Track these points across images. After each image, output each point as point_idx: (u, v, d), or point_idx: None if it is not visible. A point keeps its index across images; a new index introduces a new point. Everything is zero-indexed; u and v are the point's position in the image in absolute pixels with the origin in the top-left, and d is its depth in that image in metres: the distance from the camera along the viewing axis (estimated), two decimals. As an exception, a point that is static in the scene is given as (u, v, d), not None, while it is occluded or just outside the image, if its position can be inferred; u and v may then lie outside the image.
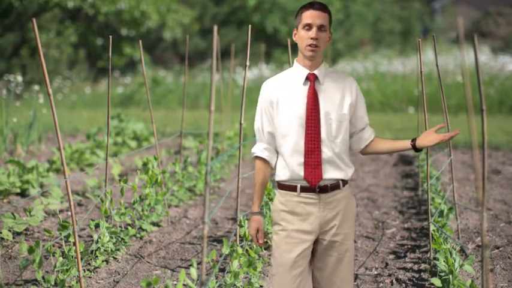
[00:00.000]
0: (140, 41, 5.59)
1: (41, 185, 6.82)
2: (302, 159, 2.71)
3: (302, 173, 2.71)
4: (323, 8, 2.74)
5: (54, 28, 18.68)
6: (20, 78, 10.77)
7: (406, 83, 15.23)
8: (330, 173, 2.73)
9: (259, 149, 2.83)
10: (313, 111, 2.70)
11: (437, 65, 4.82)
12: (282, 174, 2.78)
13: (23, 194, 6.53)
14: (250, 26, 4.04)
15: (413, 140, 2.83)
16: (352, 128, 2.84)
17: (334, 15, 24.78)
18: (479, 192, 2.58)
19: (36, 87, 11.16)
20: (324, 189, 2.73)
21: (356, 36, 27.09)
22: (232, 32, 24.16)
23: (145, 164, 5.52)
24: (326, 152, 2.71)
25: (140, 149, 5.73)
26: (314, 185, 2.71)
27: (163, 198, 5.58)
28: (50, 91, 3.44)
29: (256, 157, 2.85)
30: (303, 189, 2.73)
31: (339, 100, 2.75)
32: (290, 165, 2.74)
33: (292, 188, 2.75)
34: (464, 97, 13.09)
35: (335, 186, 2.75)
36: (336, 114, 2.73)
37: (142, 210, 5.38)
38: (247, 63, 4.18)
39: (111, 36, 4.75)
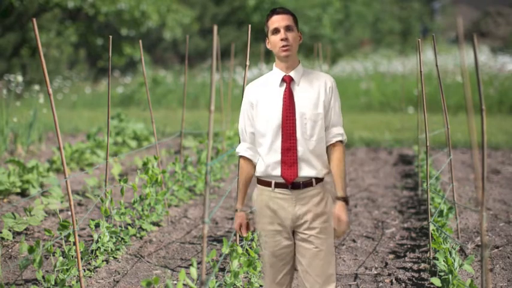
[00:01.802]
0: (140, 41, 5.60)
1: (41, 185, 6.83)
2: (278, 158, 2.85)
3: (278, 171, 2.85)
4: (285, 11, 2.90)
5: (55, 28, 18.70)
6: (20, 78, 10.78)
7: (406, 83, 15.23)
8: (304, 171, 2.84)
9: (243, 149, 3.00)
10: (288, 112, 2.84)
11: (436, 65, 4.82)
12: (260, 171, 2.92)
13: (23, 193, 6.54)
14: (250, 26, 4.04)
15: (339, 198, 2.85)
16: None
17: (334, 15, 24.87)
18: (479, 191, 2.59)
19: (37, 87, 11.17)
20: (297, 186, 2.86)
21: (356, 36, 27.11)
22: (232, 32, 24.17)
23: (145, 164, 5.53)
24: (301, 151, 2.84)
25: (140, 149, 5.74)
26: (290, 182, 2.84)
27: (163, 198, 5.58)
28: (50, 91, 3.44)
29: (240, 156, 3.01)
30: (277, 185, 2.88)
31: (315, 100, 2.86)
32: (267, 163, 2.88)
33: (268, 184, 2.90)
34: (464, 97, 13.11)
35: (307, 183, 2.86)
36: (310, 114, 2.84)
37: (143, 210, 5.39)
38: (247, 63, 4.18)
39: (111, 36, 4.76)
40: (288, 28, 2.85)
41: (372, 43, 28.44)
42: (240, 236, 3.09)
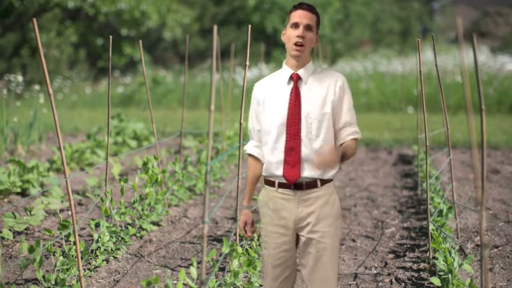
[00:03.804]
0: (140, 41, 5.60)
1: (42, 185, 6.84)
2: (281, 157, 2.80)
3: (281, 170, 2.80)
4: (311, 9, 2.83)
5: (55, 28, 18.71)
6: (20, 78, 10.80)
7: (406, 83, 15.24)
8: (307, 172, 2.78)
9: (250, 147, 2.98)
10: (293, 110, 2.78)
11: (436, 65, 4.83)
12: (265, 170, 2.90)
13: (23, 193, 6.54)
14: (250, 26, 4.04)
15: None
16: (334, 125, 2.85)
17: (333, 15, 24.86)
18: (478, 191, 2.60)
19: (37, 87, 11.19)
20: (299, 187, 2.80)
21: (355, 36, 27.12)
22: (232, 32, 24.17)
23: (145, 164, 5.53)
24: (304, 151, 2.77)
25: (140, 149, 5.74)
26: (291, 182, 2.79)
27: (163, 197, 5.59)
28: (51, 91, 3.45)
29: (249, 154, 2.99)
30: (281, 185, 2.84)
31: (322, 99, 2.79)
32: (271, 162, 2.84)
33: (272, 184, 2.86)
34: (464, 97, 13.11)
35: (311, 184, 2.80)
36: (316, 114, 2.77)
37: (143, 210, 5.39)
38: (247, 63, 4.18)
39: (111, 36, 4.76)
40: (307, 27, 2.78)
41: (372, 43, 28.45)
42: (243, 235, 3.07)
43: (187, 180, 6.86)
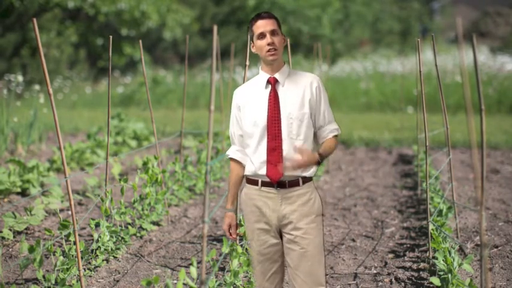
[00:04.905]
0: (140, 41, 5.60)
1: (42, 185, 6.84)
2: (264, 158, 2.91)
3: (264, 170, 2.91)
4: (269, 15, 2.96)
5: (55, 28, 18.71)
6: (20, 78, 10.80)
7: (405, 83, 15.23)
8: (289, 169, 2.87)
9: (232, 151, 3.08)
10: (273, 112, 2.90)
11: (436, 65, 4.83)
12: (248, 170, 3.00)
13: (23, 193, 6.55)
14: (250, 26, 4.04)
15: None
16: (314, 124, 2.98)
17: (333, 15, 24.88)
18: (478, 191, 2.60)
19: (37, 87, 11.19)
20: (282, 185, 2.91)
21: (355, 36, 27.12)
22: (232, 32, 24.17)
23: (145, 164, 5.54)
24: (286, 150, 2.89)
25: (140, 149, 5.75)
26: (275, 181, 2.90)
27: (164, 197, 5.60)
28: (51, 91, 3.45)
29: (230, 158, 3.09)
30: (264, 184, 2.94)
31: (300, 99, 2.92)
32: (254, 163, 2.94)
33: (255, 182, 2.97)
34: (463, 97, 13.09)
35: (294, 183, 2.91)
36: (296, 114, 2.90)
37: (143, 210, 5.40)
38: (247, 63, 4.19)
39: (111, 36, 4.76)
40: (273, 32, 2.91)
41: (372, 43, 28.45)
42: (228, 237, 3.16)
43: (187, 180, 6.86)
